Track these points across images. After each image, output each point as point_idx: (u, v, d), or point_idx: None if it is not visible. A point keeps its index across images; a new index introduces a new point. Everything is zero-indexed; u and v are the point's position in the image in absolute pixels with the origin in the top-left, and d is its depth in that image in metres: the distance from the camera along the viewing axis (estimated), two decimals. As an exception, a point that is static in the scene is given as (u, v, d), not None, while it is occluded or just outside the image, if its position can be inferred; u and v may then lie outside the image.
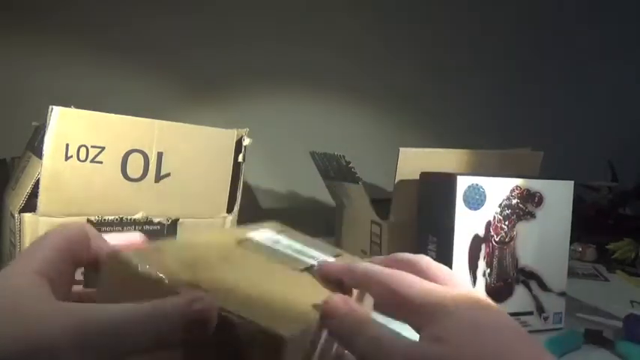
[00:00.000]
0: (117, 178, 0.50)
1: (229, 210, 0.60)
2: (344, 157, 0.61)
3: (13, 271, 0.23)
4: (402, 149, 0.56)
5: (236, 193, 0.61)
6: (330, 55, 1.06)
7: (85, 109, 0.49)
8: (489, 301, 0.26)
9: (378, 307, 0.27)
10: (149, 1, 1.01)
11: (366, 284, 0.27)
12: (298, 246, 0.32)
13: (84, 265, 0.26)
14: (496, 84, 1.12)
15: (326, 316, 0.25)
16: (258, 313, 0.22)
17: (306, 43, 1.06)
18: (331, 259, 0.31)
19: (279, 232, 0.33)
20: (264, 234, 0.32)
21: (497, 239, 0.49)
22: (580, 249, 0.86)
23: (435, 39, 1.10)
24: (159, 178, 0.53)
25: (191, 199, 0.56)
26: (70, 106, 0.47)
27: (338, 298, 0.25)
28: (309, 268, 0.29)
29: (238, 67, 1.05)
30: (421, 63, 1.10)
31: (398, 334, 0.24)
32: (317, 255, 0.31)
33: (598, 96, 1.14)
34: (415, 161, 0.56)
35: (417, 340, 0.23)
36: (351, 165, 0.60)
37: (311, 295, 0.27)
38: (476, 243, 0.48)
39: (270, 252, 0.30)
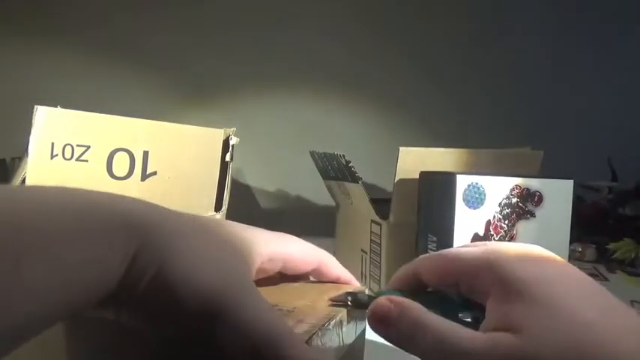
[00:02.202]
0: (103, 176, 0.50)
1: (217, 209, 0.61)
2: (344, 156, 0.61)
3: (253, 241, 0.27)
4: (401, 148, 0.56)
5: (224, 192, 0.61)
6: (330, 55, 1.07)
7: (81, 110, 0.49)
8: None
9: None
10: (140, 4, 1.02)
11: (416, 273, 0.27)
12: None
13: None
14: (495, 83, 1.12)
15: (375, 322, 0.24)
16: None
17: (306, 43, 1.06)
18: None
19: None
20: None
21: (497, 238, 0.49)
22: (580, 249, 0.86)
23: (435, 38, 1.10)
24: (145, 176, 0.53)
25: (178, 197, 0.56)
26: (56, 106, 0.48)
27: (384, 301, 0.24)
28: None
29: (238, 68, 1.05)
30: (421, 62, 1.10)
31: (459, 327, 0.22)
32: None
33: (598, 95, 1.14)
34: (415, 160, 0.56)
35: (484, 324, 0.22)
36: (351, 164, 0.60)
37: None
38: (476, 242, 0.48)
39: None
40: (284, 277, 0.33)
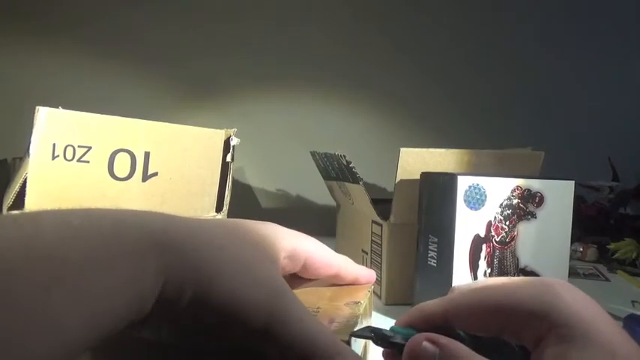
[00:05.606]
0: (104, 177, 0.50)
1: (218, 209, 0.61)
2: (345, 156, 0.61)
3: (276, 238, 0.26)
4: (402, 149, 0.56)
5: (225, 192, 0.61)
6: (330, 55, 1.06)
7: (82, 110, 0.49)
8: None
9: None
10: (142, 4, 1.02)
11: (446, 315, 0.25)
12: None
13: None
14: (496, 84, 1.12)
15: None
16: None
17: (307, 44, 1.06)
18: None
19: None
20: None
21: (498, 239, 0.48)
22: (581, 249, 0.86)
23: (435, 38, 1.10)
24: (146, 177, 0.53)
25: (179, 198, 0.56)
26: (58, 107, 0.48)
27: (425, 343, 0.22)
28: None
29: (238, 68, 1.05)
30: (422, 62, 1.09)
31: None
32: None
33: (599, 95, 1.14)
34: (416, 161, 0.56)
35: None
36: (351, 165, 0.60)
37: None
38: (477, 243, 0.48)
39: None
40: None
